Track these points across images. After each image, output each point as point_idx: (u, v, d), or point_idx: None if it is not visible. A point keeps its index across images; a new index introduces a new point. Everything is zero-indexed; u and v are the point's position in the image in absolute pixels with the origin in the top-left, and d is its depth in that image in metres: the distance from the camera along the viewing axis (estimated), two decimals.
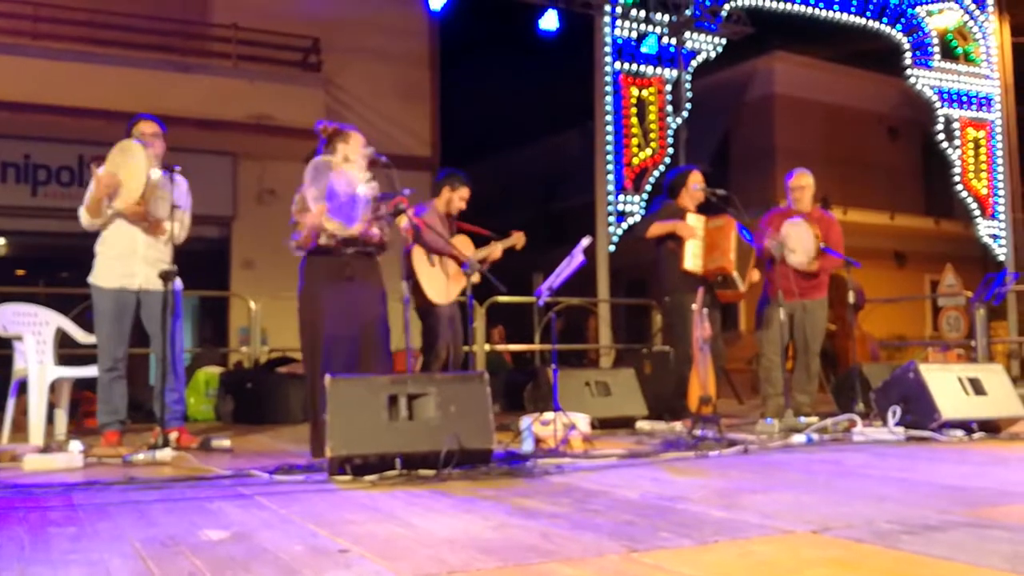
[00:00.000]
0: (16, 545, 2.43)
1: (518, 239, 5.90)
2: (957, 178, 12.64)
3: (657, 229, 6.07)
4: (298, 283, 4.58)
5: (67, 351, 5.84)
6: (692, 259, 5.91)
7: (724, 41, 11.14)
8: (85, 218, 4.97)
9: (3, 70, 10.19)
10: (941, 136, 12.61)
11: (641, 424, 6.01)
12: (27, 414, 5.30)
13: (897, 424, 5.07)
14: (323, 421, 3.64)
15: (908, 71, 12.38)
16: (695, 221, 5.99)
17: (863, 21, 12.05)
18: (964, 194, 12.74)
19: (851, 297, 6.31)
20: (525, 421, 4.86)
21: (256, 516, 2.86)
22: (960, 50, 12.69)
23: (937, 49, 12.42)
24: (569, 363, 10.51)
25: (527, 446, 4.65)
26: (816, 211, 6.40)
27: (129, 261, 4.96)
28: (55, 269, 11.68)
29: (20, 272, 13.01)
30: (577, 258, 5.05)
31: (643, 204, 10.32)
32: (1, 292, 6.84)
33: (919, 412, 5.07)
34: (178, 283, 4.99)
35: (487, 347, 8.89)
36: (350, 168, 4.48)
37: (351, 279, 4.49)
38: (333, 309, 4.44)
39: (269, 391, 7.15)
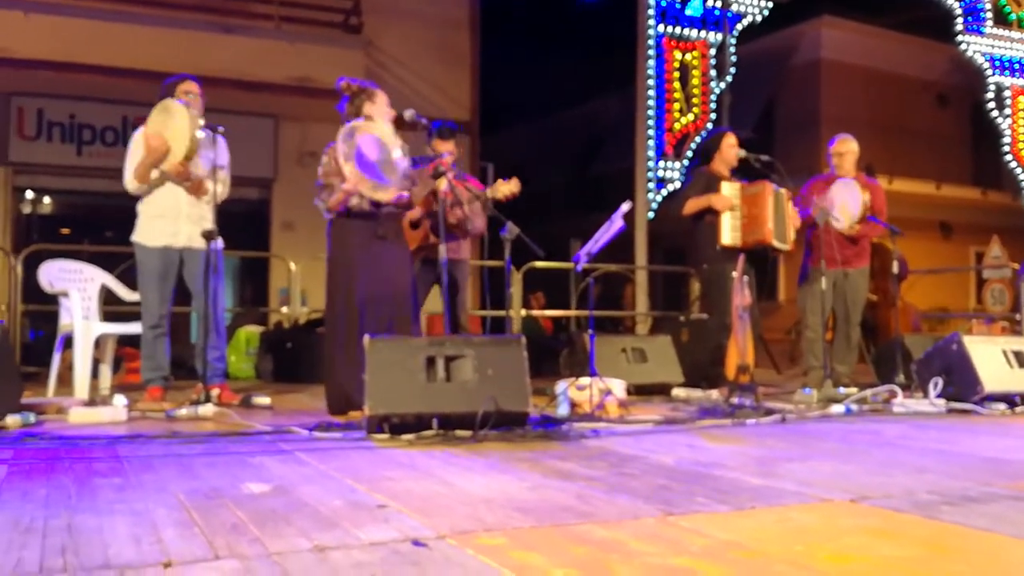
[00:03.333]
0: (63, 494, 2.49)
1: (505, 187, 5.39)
2: (1006, 148, 12.35)
3: (693, 206, 5.98)
4: (327, 245, 4.60)
5: (111, 308, 5.95)
6: (730, 233, 5.84)
7: (770, 4, 10.92)
8: (132, 184, 5.02)
9: (48, 30, 10.27)
10: (991, 104, 12.30)
11: (677, 391, 5.99)
12: (72, 368, 5.41)
13: (938, 396, 5.01)
14: (361, 380, 3.68)
15: (959, 37, 12.06)
16: (730, 189, 5.90)
17: None
18: (1013, 164, 12.44)
19: (895, 267, 6.22)
20: (561, 386, 4.87)
21: (296, 471, 2.91)
22: (1014, 16, 12.31)
23: (990, 15, 12.07)
24: (606, 329, 10.48)
25: (563, 410, 4.66)
26: (861, 178, 6.28)
27: (173, 220, 5.02)
28: (99, 228, 11.83)
29: (65, 230, 13.21)
30: (616, 224, 5.01)
31: (683, 170, 10.21)
32: (47, 249, 6.97)
33: (961, 384, 5.01)
34: (219, 242, 5.04)
35: (523, 312, 8.90)
36: (383, 130, 4.47)
37: (383, 239, 4.49)
38: (367, 270, 4.44)
39: (308, 351, 7.23)
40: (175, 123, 4.87)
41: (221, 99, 9.05)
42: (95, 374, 5.59)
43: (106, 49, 10.40)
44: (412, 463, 3.07)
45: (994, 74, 12.21)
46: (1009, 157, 12.39)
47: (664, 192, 10.21)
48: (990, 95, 12.29)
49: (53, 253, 6.23)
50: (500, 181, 5.35)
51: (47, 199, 12.88)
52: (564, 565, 1.81)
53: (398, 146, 4.49)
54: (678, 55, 10.50)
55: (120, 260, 6.57)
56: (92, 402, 4.72)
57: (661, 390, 6.02)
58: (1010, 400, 5.01)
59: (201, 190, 5.02)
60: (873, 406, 5.13)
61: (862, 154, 6.32)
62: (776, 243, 5.79)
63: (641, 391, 5.81)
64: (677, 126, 10.42)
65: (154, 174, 4.95)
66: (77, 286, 5.62)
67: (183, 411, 4.36)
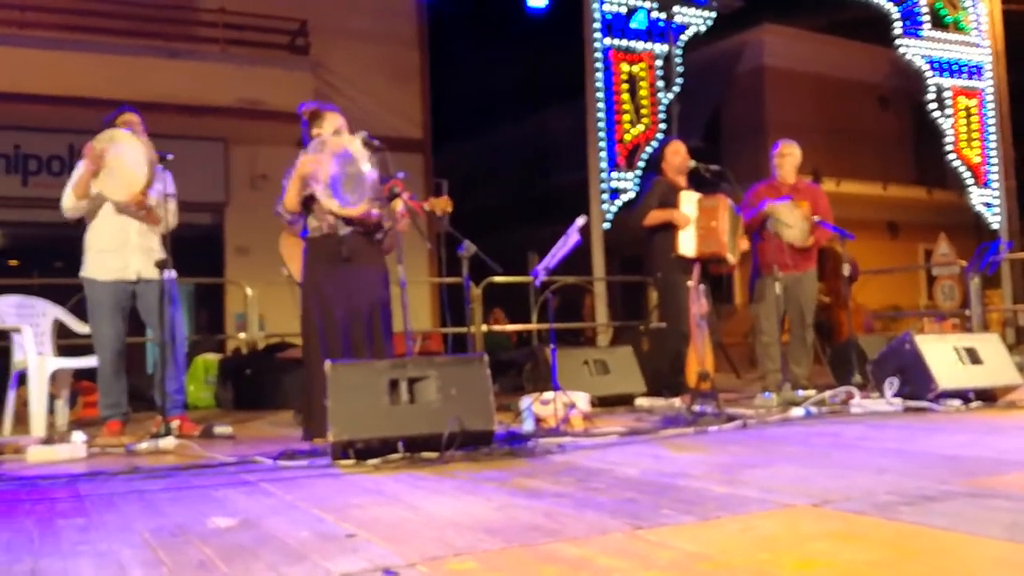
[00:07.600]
0: (26, 538, 2.45)
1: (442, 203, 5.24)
2: (949, 147, 12.63)
3: (654, 218, 6.08)
4: (301, 270, 4.60)
5: (65, 341, 5.85)
6: (686, 244, 5.93)
7: (714, 14, 11.08)
8: (70, 200, 4.91)
9: None
10: (933, 105, 12.59)
11: (640, 401, 6.04)
12: (28, 406, 5.31)
13: (894, 395, 5.11)
14: (323, 406, 3.66)
15: (898, 41, 12.34)
16: (688, 200, 5.99)
17: None
18: (956, 163, 12.73)
19: (845, 269, 6.33)
20: (525, 401, 4.88)
21: (262, 503, 2.88)
22: (950, 19, 12.62)
23: (927, 18, 12.36)
24: (567, 342, 10.53)
25: (528, 426, 4.68)
26: (800, 182, 6.43)
27: (122, 252, 4.95)
28: (48, 259, 11.63)
29: (13, 263, 12.97)
30: (572, 238, 5.04)
31: (636, 181, 10.31)
32: None
33: (916, 383, 5.11)
34: (172, 272, 4.98)
35: (484, 328, 8.90)
36: (353, 145, 4.44)
37: (348, 260, 4.47)
38: (331, 293, 4.43)
39: (269, 377, 7.17)
40: (127, 153, 4.80)
41: (169, 124, 8.99)
42: (51, 410, 5.49)
43: (50, 78, 10.27)
44: (379, 489, 3.06)
45: (933, 75, 12.49)
46: (952, 156, 12.68)
47: (618, 203, 10.29)
48: (931, 96, 12.57)
49: (2, 287, 6.12)
50: (433, 198, 5.31)
51: None
52: None
53: (366, 159, 4.46)
54: (625, 67, 10.61)
55: (71, 291, 6.45)
56: (50, 440, 4.62)
57: (624, 400, 6.06)
58: (964, 396, 5.12)
59: (155, 219, 4.95)
60: (832, 407, 5.22)
61: (808, 158, 6.45)
62: (729, 256, 5.91)
63: (605, 403, 5.85)
64: (628, 137, 10.52)
65: (93, 191, 4.86)
66: (30, 321, 5.52)
67: (143, 445, 4.30)
